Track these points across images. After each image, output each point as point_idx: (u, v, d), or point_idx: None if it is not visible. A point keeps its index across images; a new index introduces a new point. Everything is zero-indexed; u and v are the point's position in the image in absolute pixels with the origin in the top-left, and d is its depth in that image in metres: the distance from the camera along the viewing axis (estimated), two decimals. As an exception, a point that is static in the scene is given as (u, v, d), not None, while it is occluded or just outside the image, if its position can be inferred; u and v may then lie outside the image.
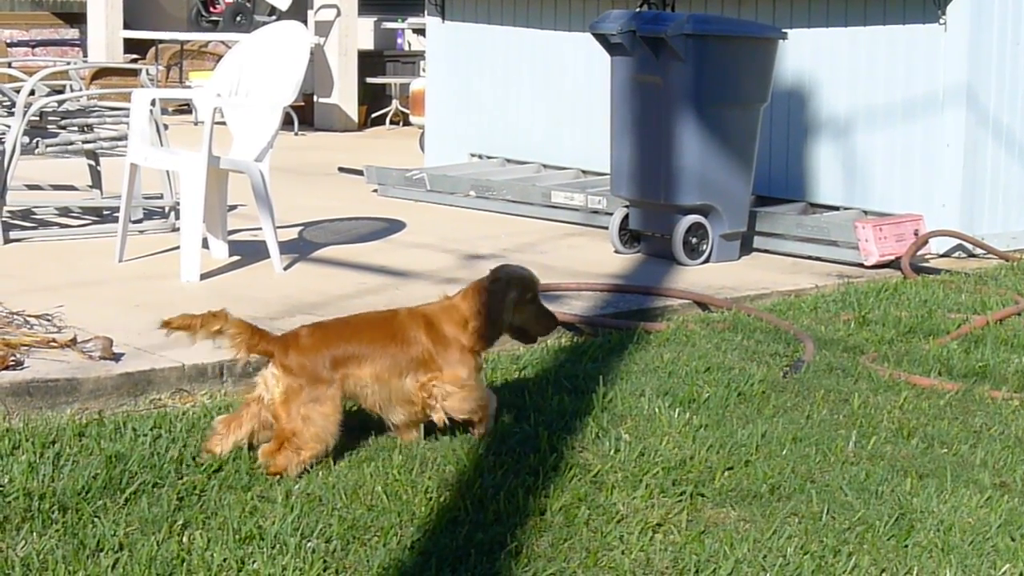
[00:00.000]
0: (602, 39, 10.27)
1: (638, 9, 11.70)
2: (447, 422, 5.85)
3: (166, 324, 5.61)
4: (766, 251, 10.64)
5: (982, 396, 6.69)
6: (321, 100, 19.92)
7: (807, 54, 11.40)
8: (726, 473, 5.52)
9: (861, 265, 10.05)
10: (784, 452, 5.78)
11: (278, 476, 5.46)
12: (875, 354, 7.41)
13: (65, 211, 11.33)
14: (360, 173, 13.78)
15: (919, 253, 10.24)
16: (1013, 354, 7.44)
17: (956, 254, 10.71)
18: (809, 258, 10.39)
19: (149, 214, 10.94)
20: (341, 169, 14.86)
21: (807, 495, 5.32)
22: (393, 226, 11.50)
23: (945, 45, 10.63)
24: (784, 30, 10.46)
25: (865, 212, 10.94)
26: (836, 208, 11.20)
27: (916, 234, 10.27)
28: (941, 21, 10.62)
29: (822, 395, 6.58)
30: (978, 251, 10.66)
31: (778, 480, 5.47)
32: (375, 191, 13.35)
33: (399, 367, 5.77)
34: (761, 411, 6.33)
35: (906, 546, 4.90)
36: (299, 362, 5.64)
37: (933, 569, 4.74)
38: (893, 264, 10.03)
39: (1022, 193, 11.11)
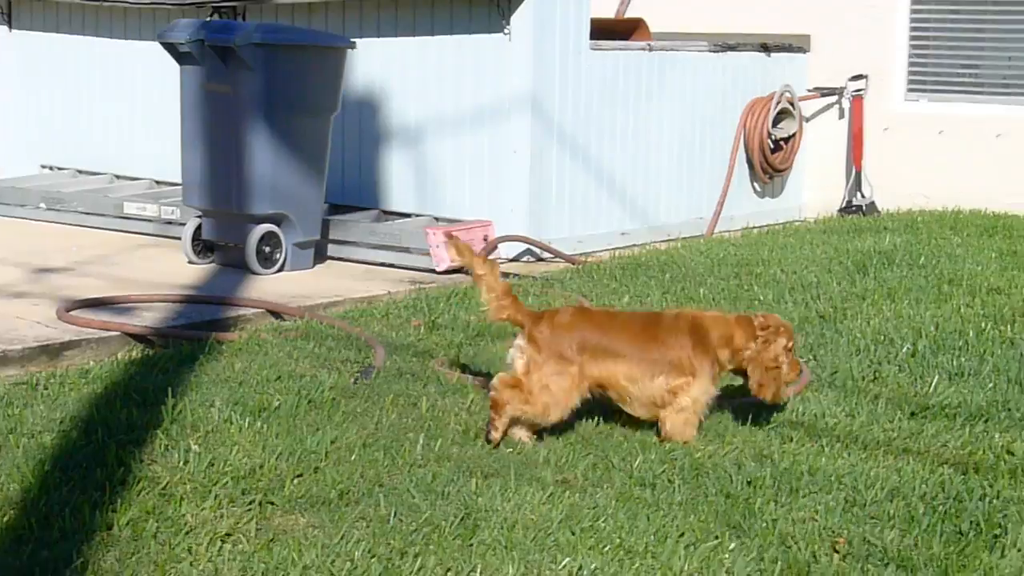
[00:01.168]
0: (171, 48, 10.17)
1: (208, 19, 11.63)
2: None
3: (450, 237, 6.18)
4: (340, 259, 10.73)
5: (546, 395, 6.88)
6: None
7: (377, 63, 11.54)
8: (296, 480, 5.54)
9: (433, 271, 10.24)
10: (353, 457, 5.84)
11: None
12: (444, 358, 7.55)
13: None
14: (-78, 186, 13.30)
15: (489, 258, 10.47)
16: (576, 354, 7.68)
17: (525, 258, 11.00)
18: (383, 265, 10.53)
19: None
20: (-97, 182, 14.29)
21: (375, 499, 5.39)
22: (-43, 240, 11.15)
23: (510, 54, 10.91)
24: (353, 39, 10.56)
25: (437, 219, 11.14)
26: (409, 215, 11.36)
27: (486, 239, 10.52)
28: (506, 31, 10.88)
29: (391, 400, 6.67)
30: (546, 255, 10.97)
31: (347, 485, 5.52)
32: (-62, 205, 12.91)
33: (653, 369, 6.10)
34: (331, 418, 6.37)
35: (471, 545, 5.01)
36: (548, 337, 6.03)
37: (497, 566, 4.85)
38: (464, 269, 10.21)
39: (587, 198, 11.49)
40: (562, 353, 6.05)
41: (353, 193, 11.73)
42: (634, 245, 11.73)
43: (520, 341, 6.14)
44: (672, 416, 6.15)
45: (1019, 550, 5.00)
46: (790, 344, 6.32)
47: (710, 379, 6.20)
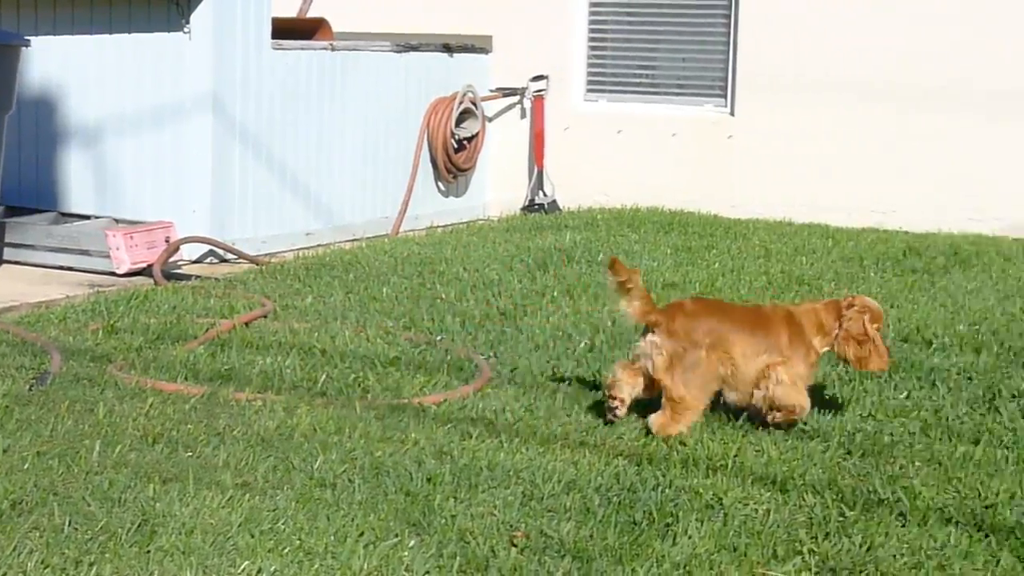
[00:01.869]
0: None
1: None
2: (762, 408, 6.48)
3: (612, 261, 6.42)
4: (17, 262, 10.47)
5: (227, 398, 6.83)
6: None
7: (55, 61, 11.30)
8: (-35, 492, 5.41)
9: (113, 274, 10.07)
10: (27, 466, 5.70)
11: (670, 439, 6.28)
12: (123, 362, 7.42)
13: None
14: None
15: (171, 260, 10.36)
16: (258, 355, 7.64)
17: (208, 259, 10.90)
18: (61, 268, 10.31)
19: None
20: None
21: (49, 508, 5.28)
22: None
23: (190, 53, 10.80)
24: (28, 37, 10.31)
25: (117, 220, 10.96)
26: (89, 217, 11.15)
27: (167, 241, 10.38)
28: (186, 30, 10.77)
29: (67, 406, 6.54)
30: (229, 256, 10.88)
31: (20, 495, 5.39)
32: None
33: (758, 348, 6.44)
34: (4, 426, 6.22)
35: (148, 551, 4.94)
36: (684, 326, 6.36)
37: (175, 572, 4.80)
38: (146, 271, 10.09)
39: (271, 198, 11.44)
40: (697, 341, 6.37)
41: (31, 195, 11.46)
42: (319, 245, 11.73)
43: (656, 337, 6.39)
44: (776, 388, 6.40)
45: (690, 537, 5.16)
46: (877, 326, 6.63)
47: (804, 365, 6.52)
